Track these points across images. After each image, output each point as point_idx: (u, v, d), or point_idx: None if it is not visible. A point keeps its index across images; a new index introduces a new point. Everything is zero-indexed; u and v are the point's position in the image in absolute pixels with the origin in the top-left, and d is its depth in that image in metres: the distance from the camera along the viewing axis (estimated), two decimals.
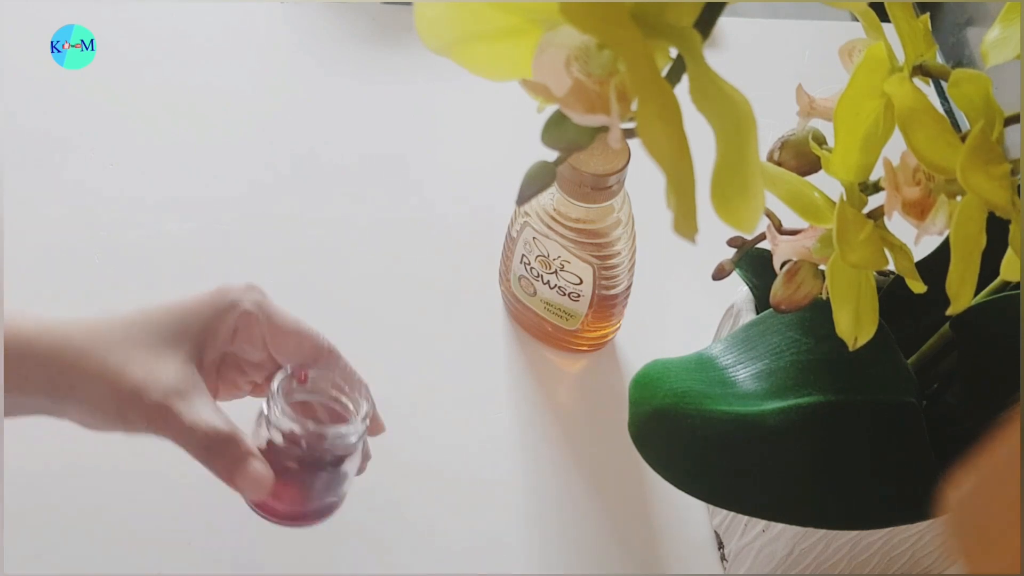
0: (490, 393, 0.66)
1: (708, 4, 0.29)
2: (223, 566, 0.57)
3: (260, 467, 0.45)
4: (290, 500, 0.48)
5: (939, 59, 0.47)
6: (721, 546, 0.60)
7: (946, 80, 0.38)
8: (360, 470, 0.51)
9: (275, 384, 0.48)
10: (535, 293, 0.64)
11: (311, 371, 0.50)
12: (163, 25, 0.83)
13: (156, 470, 0.59)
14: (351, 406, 0.50)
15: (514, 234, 0.63)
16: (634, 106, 0.29)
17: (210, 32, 0.83)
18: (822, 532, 0.51)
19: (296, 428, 0.47)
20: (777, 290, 0.44)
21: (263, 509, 0.48)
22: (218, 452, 0.44)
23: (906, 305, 0.47)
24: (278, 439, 0.47)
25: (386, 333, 0.67)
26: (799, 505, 0.47)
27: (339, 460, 0.48)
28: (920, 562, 0.53)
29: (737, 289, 0.58)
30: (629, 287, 0.64)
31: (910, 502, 0.46)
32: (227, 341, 0.48)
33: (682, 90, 0.29)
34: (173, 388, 0.44)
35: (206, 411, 0.45)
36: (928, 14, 0.41)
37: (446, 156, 0.78)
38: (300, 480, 0.48)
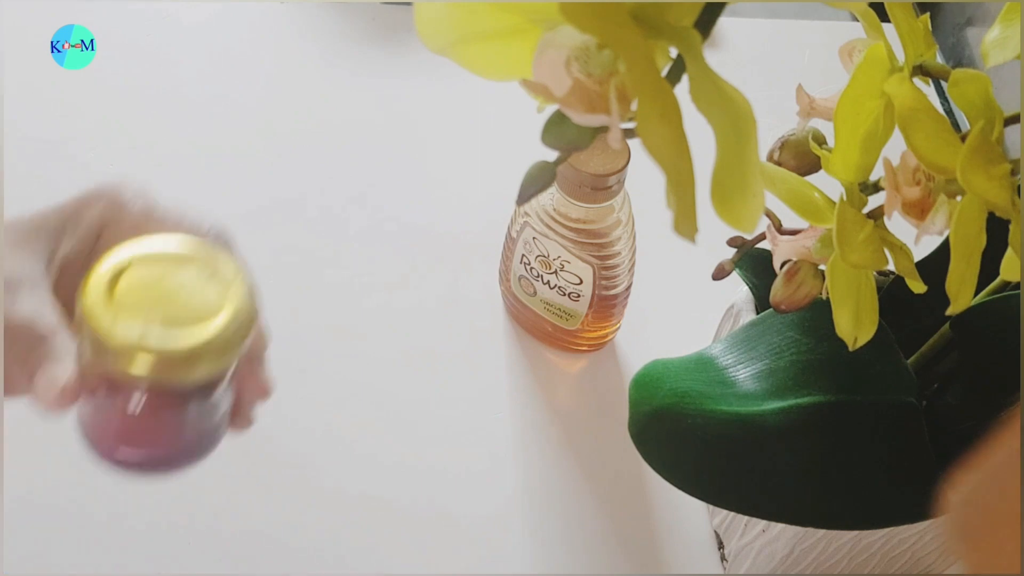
0: (490, 393, 0.66)
1: (708, 4, 0.29)
2: (222, 566, 0.57)
3: (60, 371, 0.37)
4: (137, 440, 0.39)
5: (939, 59, 0.47)
6: (721, 546, 0.60)
7: (946, 80, 0.38)
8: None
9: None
10: (535, 293, 0.64)
11: None
12: (163, 25, 0.83)
13: None
14: None
15: (514, 234, 0.63)
16: (634, 106, 0.29)
17: (210, 32, 0.83)
18: (822, 532, 0.51)
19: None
20: (777, 290, 0.44)
21: (111, 455, 0.40)
22: (20, 350, 0.37)
23: (906, 305, 0.47)
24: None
25: (386, 333, 0.67)
26: (799, 505, 0.47)
27: (192, 392, 0.38)
28: (920, 562, 0.53)
29: (737, 289, 0.57)
30: (629, 287, 0.64)
31: (910, 502, 0.46)
32: (90, 236, 0.41)
33: (682, 90, 0.29)
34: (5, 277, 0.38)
35: (30, 305, 0.38)
36: (928, 14, 0.41)
37: (446, 156, 0.78)
38: (155, 416, 0.38)
